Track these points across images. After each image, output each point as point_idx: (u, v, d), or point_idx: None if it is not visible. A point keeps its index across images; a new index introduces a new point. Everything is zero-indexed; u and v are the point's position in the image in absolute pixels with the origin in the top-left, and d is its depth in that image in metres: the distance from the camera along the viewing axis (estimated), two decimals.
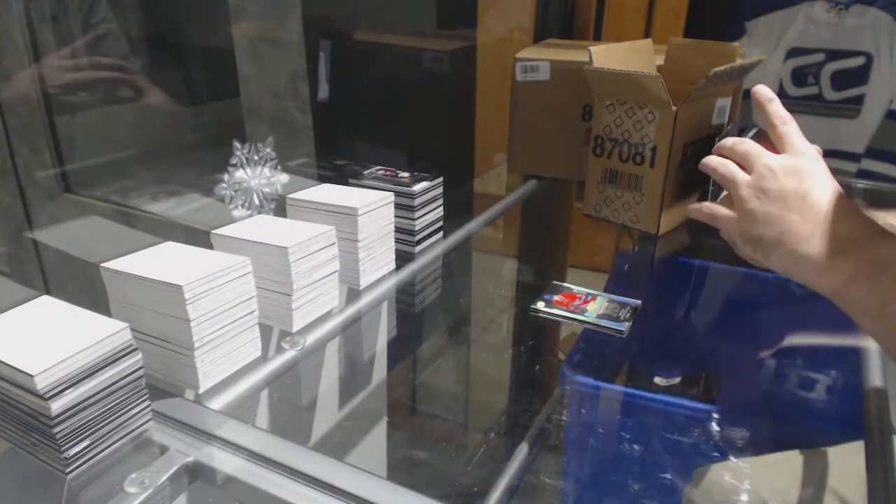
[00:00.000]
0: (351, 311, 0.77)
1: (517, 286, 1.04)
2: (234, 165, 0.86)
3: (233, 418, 0.57)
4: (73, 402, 0.48)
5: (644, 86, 0.87)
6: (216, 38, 1.64)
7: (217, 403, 0.60)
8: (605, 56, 0.92)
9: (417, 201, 0.88)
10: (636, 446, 0.65)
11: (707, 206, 0.70)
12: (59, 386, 0.47)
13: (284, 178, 0.89)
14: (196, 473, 0.52)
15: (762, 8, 1.45)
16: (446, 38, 1.51)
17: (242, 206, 0.86)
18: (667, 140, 0.88)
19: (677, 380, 0.74)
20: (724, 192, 0.69)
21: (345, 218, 0.78)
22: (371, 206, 0.79)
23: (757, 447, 0.66)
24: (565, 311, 0.80)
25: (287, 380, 0.66)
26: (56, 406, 0.47)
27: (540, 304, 0.82)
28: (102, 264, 0.62)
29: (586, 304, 0.81)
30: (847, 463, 0.62)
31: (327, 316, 0.75)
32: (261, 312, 0.66)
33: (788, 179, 0.62)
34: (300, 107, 1.51)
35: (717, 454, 0.64)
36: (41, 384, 0.46)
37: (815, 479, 0.61)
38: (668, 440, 0.65)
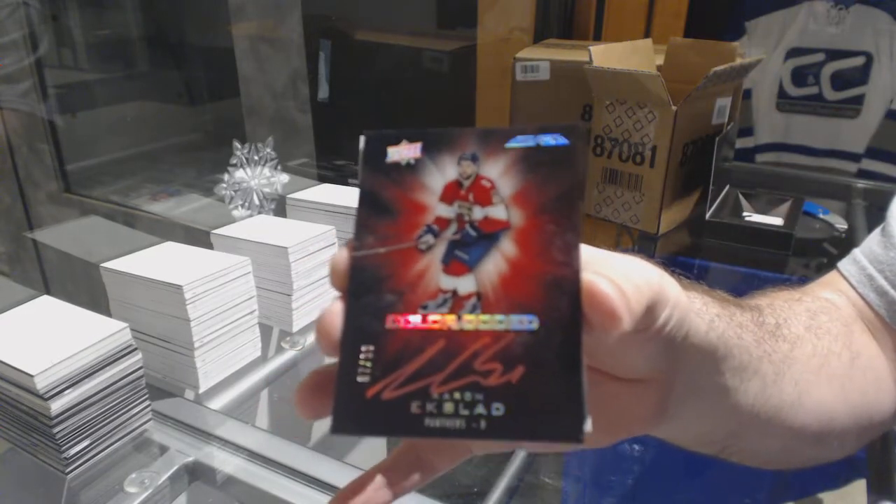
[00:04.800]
0: None
1: None
2: (234, 165, 0.86)
3: (233, 418, 0.57)
4: (73, 402, 0.48)
5: (644, 85, 0.86)
6: (216, 38, 1.64)
7: (217, 403, 0.60)
8: (605, 56, 0.92)
9: None
10: (636, 446, 0.65)
11: None
12: (58, 386, 0.47)
13: (284, 178, 0.89)
14: (196, 473, 0.52)
15: (762, 8, 1.45)
16: (446, 38, 1.51)
17: (242, 206, 0.86)
18: (667, 140, 0.88)
19: None
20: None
21: (345, 218, 0.78)
22: None
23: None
24: None
25: (287, 380, 0.66)
26: (56, 406, 0.47)
27: None
28: (102, 264, 0.62)
29: None
30: None
31: None
32: (261, 312, 0.66)
33: None
34: (300, 107, 1.51)
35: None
36: (41, 384, 0.46)
37: None
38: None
